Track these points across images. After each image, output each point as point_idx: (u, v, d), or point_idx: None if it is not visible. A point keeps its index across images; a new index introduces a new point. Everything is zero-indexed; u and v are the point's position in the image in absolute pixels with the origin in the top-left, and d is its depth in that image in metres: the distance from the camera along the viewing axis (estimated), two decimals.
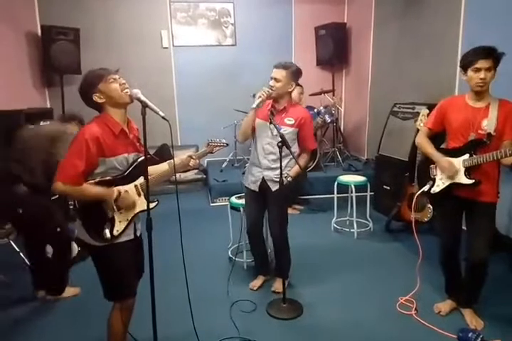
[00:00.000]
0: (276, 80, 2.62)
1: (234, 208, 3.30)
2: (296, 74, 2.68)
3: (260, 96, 2.59)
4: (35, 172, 2.55)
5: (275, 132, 2.59)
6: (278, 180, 2.58)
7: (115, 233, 1.87)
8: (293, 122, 2.68)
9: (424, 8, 4.44)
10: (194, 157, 2.13)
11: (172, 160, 2.06)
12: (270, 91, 2.61)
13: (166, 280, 2.74)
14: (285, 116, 2.69)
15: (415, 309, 2.64)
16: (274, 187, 2.71)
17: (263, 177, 2.76)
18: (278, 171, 2.59)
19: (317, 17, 6.18)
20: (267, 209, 2.88)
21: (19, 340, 2.44)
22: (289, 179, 2.72)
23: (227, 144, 2.29)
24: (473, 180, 2.27)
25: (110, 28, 5.72)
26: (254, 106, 2.62)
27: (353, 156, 5.98)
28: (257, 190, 2.80)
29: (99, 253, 1.91)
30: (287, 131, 2.66)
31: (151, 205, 1.93)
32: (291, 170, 2.76)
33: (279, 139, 2.50)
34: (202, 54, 6.08)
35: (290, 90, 2.70)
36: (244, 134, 2.79)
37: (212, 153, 2.26)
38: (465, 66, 2.22)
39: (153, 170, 2.08)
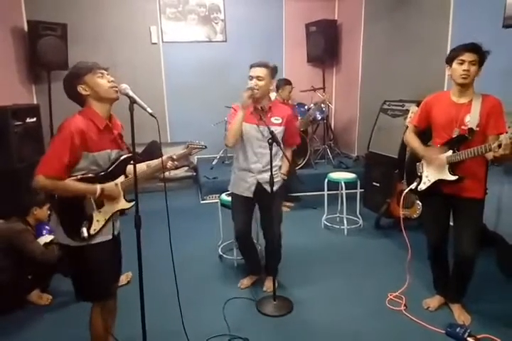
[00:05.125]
0: (259, 78, 2.57)
1: (224, 205, 3.29)
2: (275, 71, 2.66)
3: (248, 91, 2.53)
4: None
5: (266, 133, 2.56)
6: (275, 180, 2.56)
7: (92, 232, 1.84)
8: (280, 121, 2.65)
9: (413, 5, 4.45)
10: (174, 157, 2.08)
11: (150, 162, 2.04)
12: (255, 91, 2.54)
13: (155, 279, 2.72)
14: (271, 115, 2.64)
15: (404, 305, 2.66)
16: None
17: (258, 181, 2.71)
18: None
19: (308, 14, 6.17)
20: (264, 212, 2.82)
21: None
22: (284, 177, 2.73)
23: (206, 147, 2.28)
24: (457, 176, 2.27)
25: (98, 23, 5.64)
26: (243, 104, 2.56)
27: (343, 153, 5.99)
28: (251, 195, 2.73)
29: (76, 254, 1.86)
30: (277, 130, 2.62)
31: (129, 205, 1.95)
32: (282, 168, 2.75)
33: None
34: (192, 50, 6.03)
35: (271, 88, 2.68)
36: (235, 136, 2.60)
37: (190, 154, 2.24)
38: (451, 58, 2.24)
39: (131, 170, 2.01)
